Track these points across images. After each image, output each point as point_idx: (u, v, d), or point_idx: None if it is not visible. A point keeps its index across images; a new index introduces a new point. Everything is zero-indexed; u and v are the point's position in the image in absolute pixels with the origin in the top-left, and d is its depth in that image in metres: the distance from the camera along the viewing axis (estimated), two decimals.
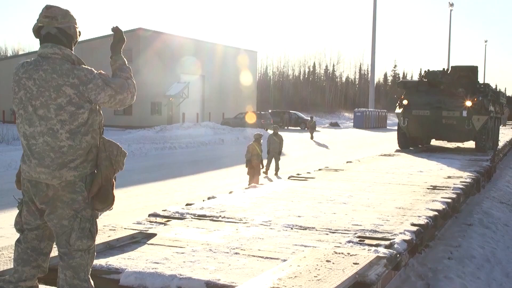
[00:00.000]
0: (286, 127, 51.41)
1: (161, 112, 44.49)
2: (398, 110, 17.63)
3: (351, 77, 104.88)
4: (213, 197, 8.26)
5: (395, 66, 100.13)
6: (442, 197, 8.35)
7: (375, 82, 77.10)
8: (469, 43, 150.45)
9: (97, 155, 3.61)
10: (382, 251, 5.04)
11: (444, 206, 7.70)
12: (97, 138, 3.62)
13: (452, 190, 9.19)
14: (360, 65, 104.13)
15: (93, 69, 3.57)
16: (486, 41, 78.75)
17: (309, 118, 45.38)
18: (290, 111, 56.35)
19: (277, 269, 4.36)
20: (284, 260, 4.73)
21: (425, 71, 18.01)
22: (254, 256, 4.96)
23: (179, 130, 35.35)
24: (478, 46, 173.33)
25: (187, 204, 7.61)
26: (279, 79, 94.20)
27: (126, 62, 3.81)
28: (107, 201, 3.62)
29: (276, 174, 17.57)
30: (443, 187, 9.52)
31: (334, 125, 60.82)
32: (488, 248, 8.16)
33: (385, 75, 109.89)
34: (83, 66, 3.58)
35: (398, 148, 18.36)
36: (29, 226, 3.72)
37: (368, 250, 5.12)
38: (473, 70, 17.60)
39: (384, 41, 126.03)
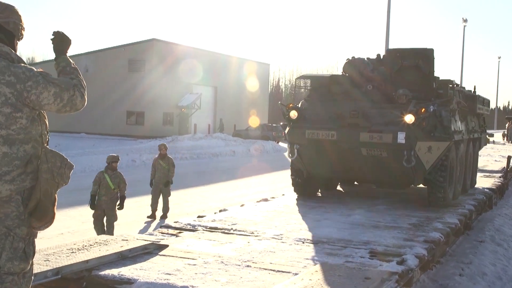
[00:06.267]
0: None
1: (173, 122, 44.65)
2: (286, 130, 9.71)
3: None
4: (225, 210, 8.31)
5: None
6: (454, 214, 8.33)
7: None
8: (483, 59, 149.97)
9: (38, 166, 3.17)
10: (394, 266, 5.04)
11: (456, 223, 7.69)
12: (38, 149, 3.20)
13: (464, 207, 9.17)
14: None
15: (33, 68, 3.16)
16: (499, 57, 78.08)
17: None
18: None
19: (288, 282, 4.37)
20: (296, 274, 4.74)
21: (347, 59, 10.09)
22: (265, 269, 4.98)
23: (191, 141, 35.44)
24: (491, 62, 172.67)
25: (198, 216, 7.67)
26: (291, 92, 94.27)
27: (72, 63, 3.38)
28: (45, 219, 3.15)
29: (164, 215, 11.94)
30: (455, 204, 9.48)
31: None
32: (499, 266, 8.09)
33: None
34: (23, 64, 3.18)
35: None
36: None
37: (380, 265, 5.12)
38: (425, 56, 9.51)
39: None
